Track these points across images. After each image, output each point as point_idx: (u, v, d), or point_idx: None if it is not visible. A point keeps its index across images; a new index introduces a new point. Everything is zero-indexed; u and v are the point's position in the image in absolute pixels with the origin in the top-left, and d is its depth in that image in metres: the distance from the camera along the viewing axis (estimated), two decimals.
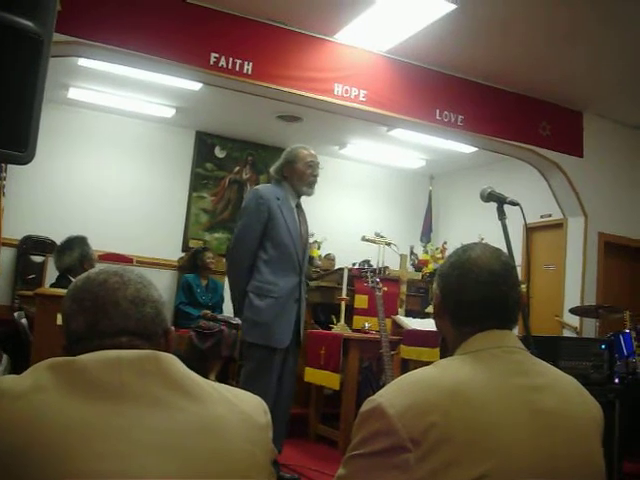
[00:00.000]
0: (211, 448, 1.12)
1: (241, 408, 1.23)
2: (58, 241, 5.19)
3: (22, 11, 1.72)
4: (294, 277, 4.02)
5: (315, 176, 4.13)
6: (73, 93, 7.93)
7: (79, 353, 1.16)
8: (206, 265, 7.42)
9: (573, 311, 6.50)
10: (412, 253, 8.35)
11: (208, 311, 6.87)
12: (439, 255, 7.93)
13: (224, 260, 7.29)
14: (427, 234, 10.13)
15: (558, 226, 8.10)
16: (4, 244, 7.17)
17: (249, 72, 5.88)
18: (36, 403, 1.06)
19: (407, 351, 5.10)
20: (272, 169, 4.21)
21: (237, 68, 5.84)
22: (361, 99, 6.36)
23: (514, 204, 2.45)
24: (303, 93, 6.14)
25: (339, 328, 5.32)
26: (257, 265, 3.96)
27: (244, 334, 4.05)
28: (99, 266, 1.40)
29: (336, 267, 7.54)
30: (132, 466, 1.04)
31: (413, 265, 8.13)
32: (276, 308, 3.91)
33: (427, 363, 1.51)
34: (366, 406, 1.33)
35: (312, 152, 4.16)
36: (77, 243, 4.80)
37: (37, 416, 1.04)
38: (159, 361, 1.17)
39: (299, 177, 4.08)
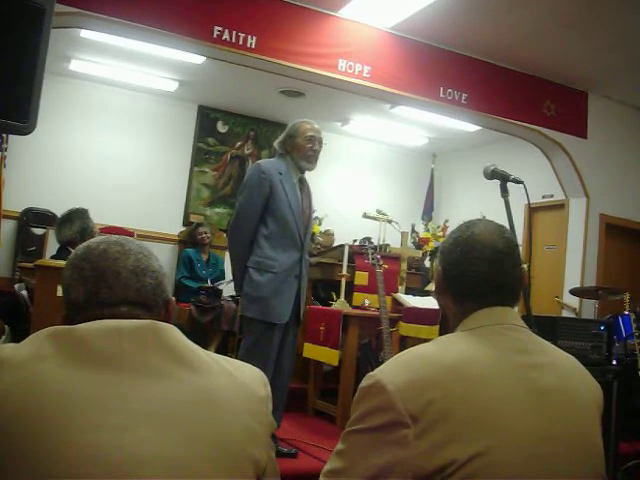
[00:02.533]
0: (210, 419, 1.13)
1: (241, 380, 1.23)
2: (59, 213, 5.19)
3: None
4: (295, 253, 4.00)
5: (315, 151, 4.08)
6: (75, 65, 7.88)
7: (79, 322, 1.15)
8: (201, 240, 7.43)
9: (573, 292, 6.50)
10: (413, 231, 8.33)
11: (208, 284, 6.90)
12: (440, 233, 7.92)
13: (225, 235, 7.30)
14: (428, 212, 10.12)
15: (560, 207, 8.09)
16: (5, 216, 7.17)
17: (253, 46, 5.84)
18: (35, 372, 1.05)
19: (406, 328, 5.11)
20: (275, 143, 4.19)
21: (240, 42, 5.79)
22: (365, 75, 6.32)
23: (517, 182, 2.43)
24: (307, 68, 6.10)
25: (339, 304, 5.32)
26: (257, 240, 3.94)
27: (243, 309, 4.04)
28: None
29: (336, 243, 7.54)
30: (129, 437, 1.04)
31: (414, 243, 8.12)
32: (275, 283, 3.90)
33: (426, 340, 1.51)
34: (365, 382, 1.33)
35: (315, 126, 4.12)
36: (78, 216, 4.80)
37: (35, 385, 1.04)
38: (159, 331, 1.17)
39: (298, 151, 4.05)
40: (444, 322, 1.57)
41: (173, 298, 1.34)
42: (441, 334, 1.51)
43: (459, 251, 1.49)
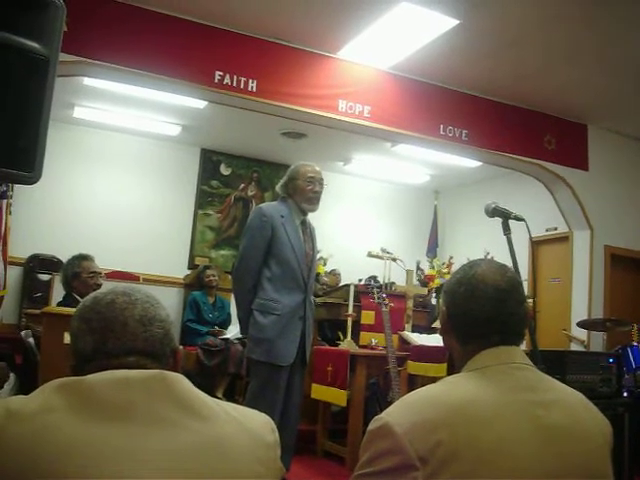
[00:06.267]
0: (219, 468, 1.12)
1: (248, 427, 1.23)
2: (64, 259, 5.20)
3: (28, 33, 1.74)
4: (298, 294, 4.00)
5: (316, 192, 4.10)
6: (79, 112, 7.97)
7: (87, 373, 1.16)
8: (208, 283, 7.43)
9: (580, 324, 6.47)
10: (418, 268, 8.33)
11: (216, 327, 6.91)
12: (445, 270, 7.91)
13: (230, 277, 7.30)
14: (433, 249, 10.13)
15: (564, 239, 8.09)
16: (11, 262, 7.19)
17: (254, 90, 5.91)
18: (44, 424, 1.06)
19: (414, 367, 5.08)
20: (278, 186, 4.23)
21: (242, 86, 5.87)
22: (365, 115, 6.38)
23: (519, 219, 2.45)
24: (307, 110, 6.17)
25: (346, 344, 5.30)
26: (261, 282, 3.96)
27: (248, 351, 4.04)
28: (106, 285, 1.40)
29: (342, 283, 7.53)
30: None
31: (419, 280, 8.12)
32: (279, 325, 3.90)
33: (434, 378, 1.51)
34: (373, 425, 1.33)
35: (315, 168, 4.15)
36: (68, 261, 4.80)
37: (45, 438, 1.04)
38: (167, 381, 1.17)
39: (300, 193, 4.08)
40: (452, 359, 1.57)
41: (180, 347, 1.35)
42: (449, 371, 1.52)
43: (463, 291, 1.50)
